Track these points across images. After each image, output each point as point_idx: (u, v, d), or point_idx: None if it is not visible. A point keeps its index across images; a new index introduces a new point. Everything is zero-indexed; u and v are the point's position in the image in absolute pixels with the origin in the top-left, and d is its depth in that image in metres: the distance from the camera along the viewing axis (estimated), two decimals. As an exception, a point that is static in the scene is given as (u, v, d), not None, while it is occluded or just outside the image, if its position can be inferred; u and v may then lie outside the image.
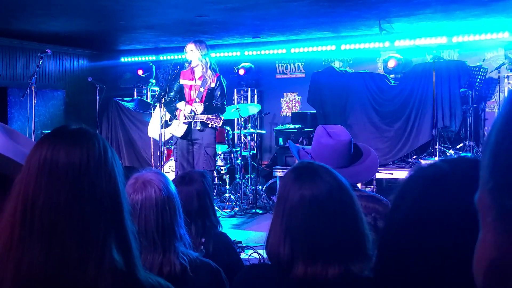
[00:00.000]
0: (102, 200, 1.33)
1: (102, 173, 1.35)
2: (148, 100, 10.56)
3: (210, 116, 6.05)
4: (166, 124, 6.37)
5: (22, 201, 1.30)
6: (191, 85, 6.32)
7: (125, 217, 1.38)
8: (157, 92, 10.65)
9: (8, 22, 8.53)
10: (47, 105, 10.43)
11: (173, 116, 6.31)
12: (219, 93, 6.34)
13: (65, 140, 1.36)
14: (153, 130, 6.73)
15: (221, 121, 6.02)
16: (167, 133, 6.40)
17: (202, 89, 6.26)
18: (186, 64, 6.33)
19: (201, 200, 2.84)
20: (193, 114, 6.17)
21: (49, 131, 1.48)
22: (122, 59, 11.81)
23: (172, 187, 2.20)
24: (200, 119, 6.10)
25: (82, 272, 1.27)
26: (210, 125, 6.11)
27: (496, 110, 8.46)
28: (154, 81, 10.81)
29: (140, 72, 10.76)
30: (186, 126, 6.22)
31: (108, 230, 1.32)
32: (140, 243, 2.00)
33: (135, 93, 11.09)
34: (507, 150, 0.66)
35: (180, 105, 6.30)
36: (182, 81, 6.36)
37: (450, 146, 8.18)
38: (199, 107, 6.18)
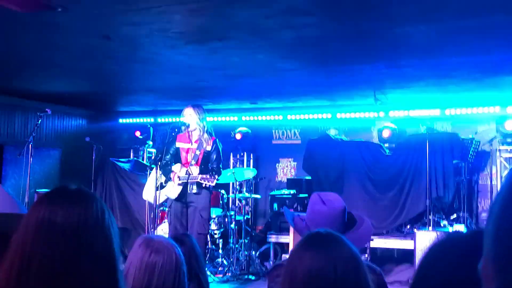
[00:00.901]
0: (98, 260, 1.36)
1: (99, 233, 1.38)
2: (145, 162, 10.61)
3: (204, 176, 6.11)
4: (162, 187, 6.41)
5: (19, 259, 1.32)
6: (188, 148, 6.41)
7: (118, 278, 1.40)
8: (153, 154, 10.72)
9: (9, 80, 8.67)
10: (42, 164, 10.46)
11: (168, 179, 6.37)
12: (214, 156, 6.43)
13: (63, 200, 1.40)
14: (148, 193, 6.75)
15: (215, 181, 6.06)
16: (162, 195, 6.43)
17: (198, 152, 6.35)
18: (183, 128, 6.44)
19: (194, 261, 2.86)
20: (187, 175, 6.22)
21: (46, 190, 1.51)
22: (120, 120, 11.94)
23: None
24: (194, 179, 6.15)
25: None
26: (204, 185, 6.15)
27: (489, 183, 8.54)
28: (151, 143, 10.91)
29: (137, 133, 10.87)
30: (180, 187, 6.26)
31: None
32: None
33: (131, 154, 11.16)
34: (509, 221, 0.70)
35: (176, 167, 6.38)
36: (178, 144, 6.45)
37: (444, 216, 8.20)
38: (194, 170, 6.24)
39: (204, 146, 6.38)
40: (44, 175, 10.46)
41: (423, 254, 1.20)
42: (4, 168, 9.83)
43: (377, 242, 7.93)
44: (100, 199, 1.46)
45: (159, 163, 6.34)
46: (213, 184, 6.12)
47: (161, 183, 6.42)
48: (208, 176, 6.09)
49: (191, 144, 6.42)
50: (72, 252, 1.33)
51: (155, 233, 6.94)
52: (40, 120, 7.69)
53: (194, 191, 6.27)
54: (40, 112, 7.74)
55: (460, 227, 7.37)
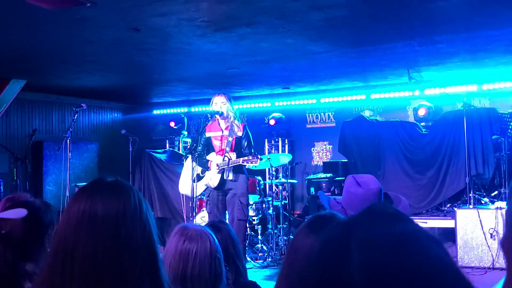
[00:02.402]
0: (138, 250, 1.39)
1: (138, 224, 1.42)
2: (180, 152, 10.72)
3: (246, 158, 6.08)
4: (198, 178, 6.43)
5: (62, 251, 1.36)
6: (221, 136, 6.41)
7: (159, 267, 1.43)
8: (189, 144, 10.83)
9: (45, 78, 8.86)
10: (81, 158, 10.68)
11: (206, 168, 6.38)
12: (246, 142, 6.45)
13: (102, 192, 1.43)
14: (185, 185, 6.77)
15: (259, 160, 6.02)
16: (201, 185, 6.45)
17: (230, 139, 6.37)
18: (216, 116, 6.42)
19: (231, 248, 2.88)
20: (226, 161, 6.22)
21: (85, 184, 1.56)
22: (155, 112, 12.08)
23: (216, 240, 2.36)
24: (236, 163, 6.14)
25: None
26: (246, 166, 6.14)
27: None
28: (186, 133, 11.00)
29: (172, 124, 10.98)
30: (220, 175, 6.29)
31: (143, 279, 1.37)
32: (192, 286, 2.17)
33: (167, 144, 11.28)
34: None
35: (211, 156, 6.41)
36: (209, 134, 6.47)
37: (484, 193, 8.07)
38: (232, 155, 6.25)
39: (236, 131, 6.39)
40: (83, 169, 10.69)
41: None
42: (45, 163, 10.08)
43: (417, 222, 7.83)
44: (137, 190, 1.49)
45: (195, 153, 6.37)
46: (257, 163, 6.06)
47: (198, 174, 6.45)
48: (250, 157, 6.06)
49: (222, 132, 6.44)
50: (113, 242, 1.37)
51: (194, 222, 7.03)
52: (76, 115, 7.82)
53: (230, 178, 6.28)
54: (76, 107, 7.88)
55: (502, 204, 7.24)
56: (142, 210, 1.45)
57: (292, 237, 8.28)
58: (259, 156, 6.03)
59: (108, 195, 1.43)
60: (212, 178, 6.34)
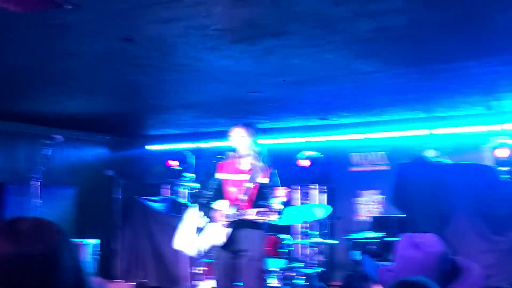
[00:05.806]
0: None
1: (70, 269, 1.44)
2: (185, 201, 10.71)
3: (261, 210, 6.01)
4: (199, 231, 6.36)
5: None
6: (239, 181, 6.34)
7: None
8: (197, 190, 10.82)
9: (10, 102, 8.93)
10: (54, 206, 10.69)
11: (209, 219, 6.31)
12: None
13: (23, 233, 1.46)
14: (182, 239, 6.71)
15: (277, 215, 5.96)
16: (204, 241, 6.38)
17: (251, 185, 6.25)
18: (231, 153, 6.40)
19: None
20: (237, 212, 6.14)
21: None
22: (151, 147, 12.12)
23: None
24: (247, 216, 6.07)
25: None
26: (263, 221, 6.07)
27: None
28: (193, 176, 11.00)
29: (173, 163, 10.99)
30: (227, 230, 6.19)
31: None
32: None
33: (168, 190, 11.28)
34: None
35: (220, 204, 6.30)
36: (221, 175, 6.41)
37: None
38: (250, 210, 6.14)
39: (259, 177, 6.29)
40: (56, 220, 10.70)
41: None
42: (6, 212, 10.09)
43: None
44: (64, 231, 1.53)
45: (204, 201, 6.33)
46: (276, 219, 6.02)
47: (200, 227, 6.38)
48: (266, 210, 6.00)
49: (241, 175, 6.36)
50: None
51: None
52: (49, 151, 7.87)
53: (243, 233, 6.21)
54: (49, 140, 7.92)
55: None
56: (73, 254, 1.52)
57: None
58: (276, 208, 5.97)
59: (31, 237, 1.46)
60: (217, 233, 6.25)
